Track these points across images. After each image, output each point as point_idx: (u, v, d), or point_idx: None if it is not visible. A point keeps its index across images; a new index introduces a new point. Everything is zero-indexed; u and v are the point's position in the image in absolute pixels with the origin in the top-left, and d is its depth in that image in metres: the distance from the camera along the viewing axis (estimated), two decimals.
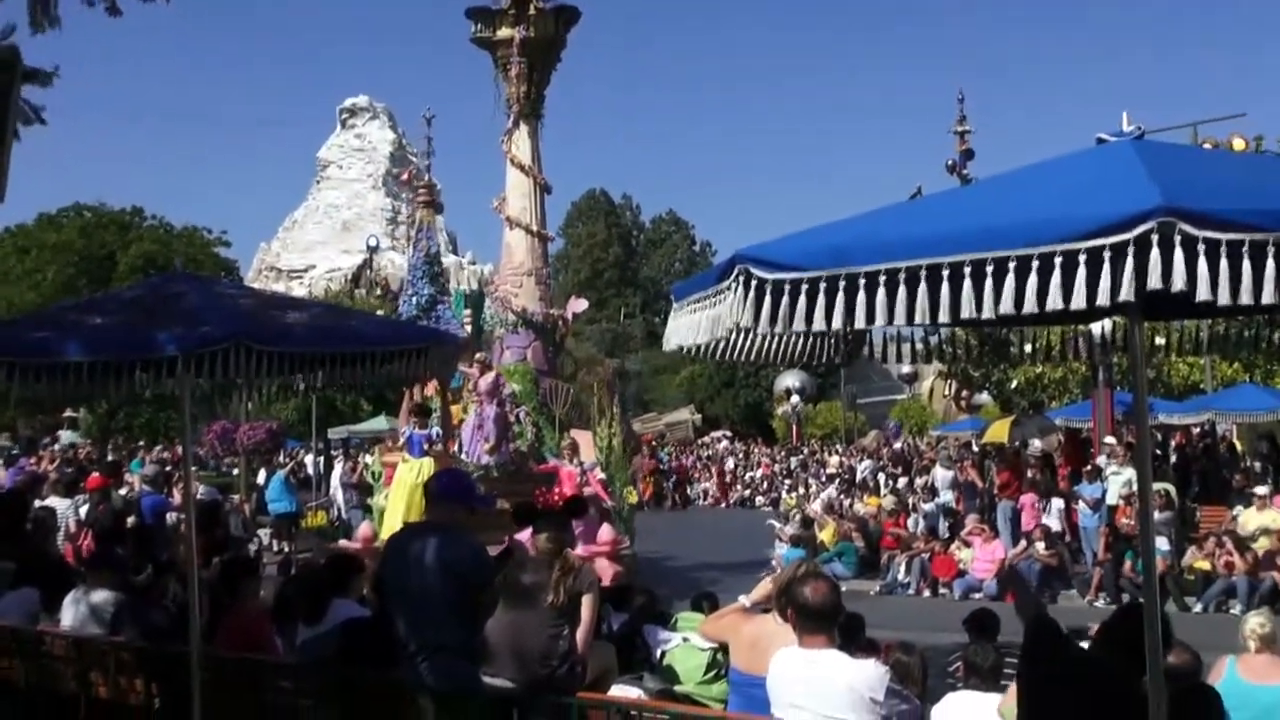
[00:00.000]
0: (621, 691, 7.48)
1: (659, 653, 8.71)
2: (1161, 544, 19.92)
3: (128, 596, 9.58)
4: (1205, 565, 20.03)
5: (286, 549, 25.92)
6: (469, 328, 22.72)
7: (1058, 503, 22.89)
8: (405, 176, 24.70)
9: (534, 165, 23.15)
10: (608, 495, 19.91)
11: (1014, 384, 40.04)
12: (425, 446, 18.47)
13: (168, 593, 10.32)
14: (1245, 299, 3.58)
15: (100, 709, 9.34)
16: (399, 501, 17.90)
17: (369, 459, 35.94)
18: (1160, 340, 6.62)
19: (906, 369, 61.64)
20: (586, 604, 7.20)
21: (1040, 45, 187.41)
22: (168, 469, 24.83)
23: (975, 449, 32.38)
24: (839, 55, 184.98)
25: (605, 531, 18.65)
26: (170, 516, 16.99)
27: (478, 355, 21.00)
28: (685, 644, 8.67)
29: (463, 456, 19.94)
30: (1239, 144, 27.88)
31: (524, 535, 8.23)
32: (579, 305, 24.64)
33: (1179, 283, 3.56)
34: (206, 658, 8.04)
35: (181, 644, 8.08)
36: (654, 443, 51.30)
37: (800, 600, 6.08)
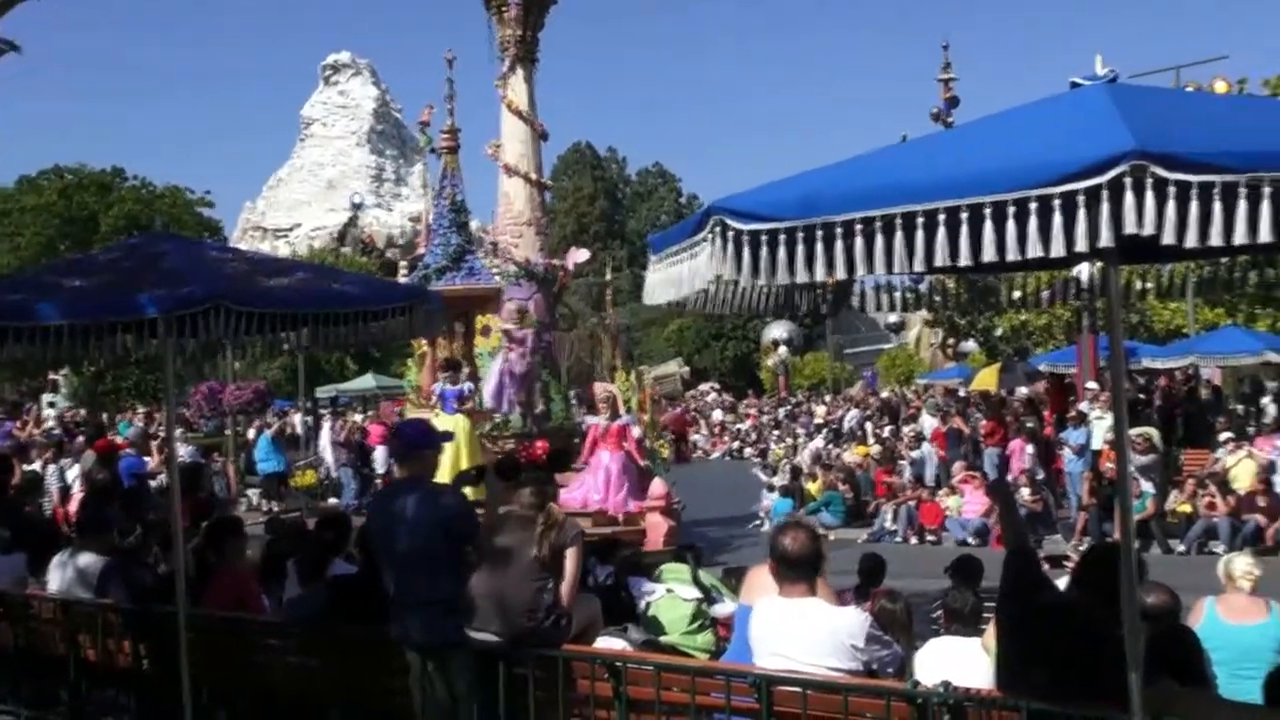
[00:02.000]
0: (606, 643, 7.52)
1: (643, 604, 8.74)
2: (1147, 487, 20.08)
3: (115, 559, 9.58)
4: (1187, 508, 20.19)
5: (275, 508, 25.97)
6: (499, 279, 21.83)
7: (1031, 448, 22.99)
8: (424, 117, 23.76)
9: (531, 111, 22.74)
10: (641, 453, 19.64)
11: (999, 331, 40.15)
12: (457, 404, 18.10)
13: (153, 554, 10.32)
14: (1216, 241, 3.58)
15: (89, 671, 9.38)
16: None
17: (358, 417, 36.06)
18: (1144, 285, 6.62)
19: (893, 318, 61.66)
20: (570, 557, 7.22)
21: None
22: (151, 430, 24.72)
23: (961, 396, 32.51)
24: (827, 5, 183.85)
25: (657, 486, 18.38)
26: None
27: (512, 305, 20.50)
28: (669, 595, 8.71)
29: (494, 413, 19.53)
30: (1221, 86, 27.83)
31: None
32: (580, 255, 23.94)
33: (1150, 226, 3.56)
34: (193, 618, 8.05)
35: (169, 605, 8.09)
36: (658, 398, 51.20)
37: (780, 550, 6.10)
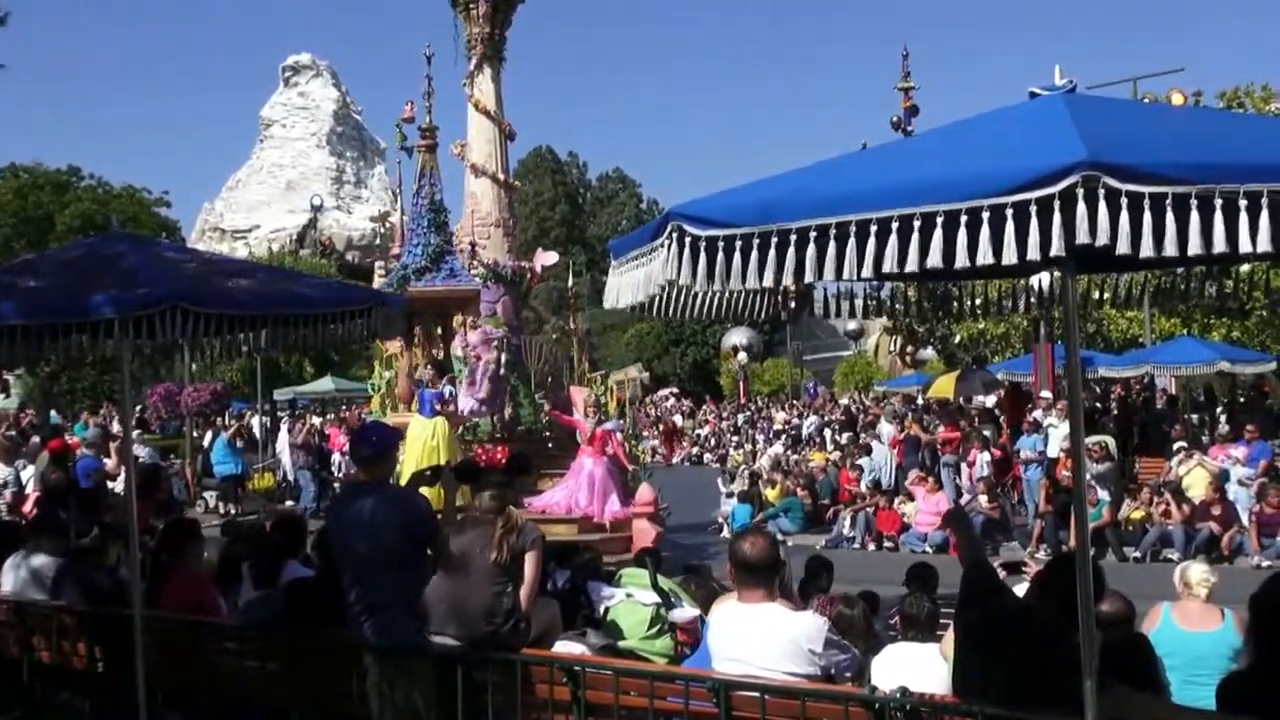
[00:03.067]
0: (565, 648, 7.51)
1: (602, 609, 8.74)
2: (1103, 495, 20.26)
3: (69, 560, 9.51)
4: (1142, 515, 20.40)
5: (233, 511, 25.81)
6: (478, 280, 21.40)
7: (985, 456, 23.15)
8: (408, 113, 23.29)
9: (498, 110, 22.49)
10: (626, 456, 19.45)
11: (957, 339, 40.42)
12: (437, 406, 17.64)
13: (110, 556, 10.25)
14: (1169, 252, 3.63)
15: (43, 673, 9.30)
16: (413, 464, 17.26)
17: (316, 420, 35.88)
18: (1102, 294, 6.70)
19: (852, 325, 62.01)
20: (530, 561, 7.22)
21: (988, 2, 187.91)
22: (108, 431, 24.47)
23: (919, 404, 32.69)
24: (790, 13, 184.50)
25: (645, 491, 18.15)
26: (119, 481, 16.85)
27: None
28: (629, 600, 8.70)
29: (468, 415, 19.18)
30: (1178, 99, 28.14)
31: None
32: (549, 258, 23.50)
33: (1103, 237, 3.60)
34: (150, 620, 8.01)
35: (124, 607, 8.04)
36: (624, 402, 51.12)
37: (739, 555, 6.15)
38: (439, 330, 21.27)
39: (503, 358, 19.18)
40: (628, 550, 16.24)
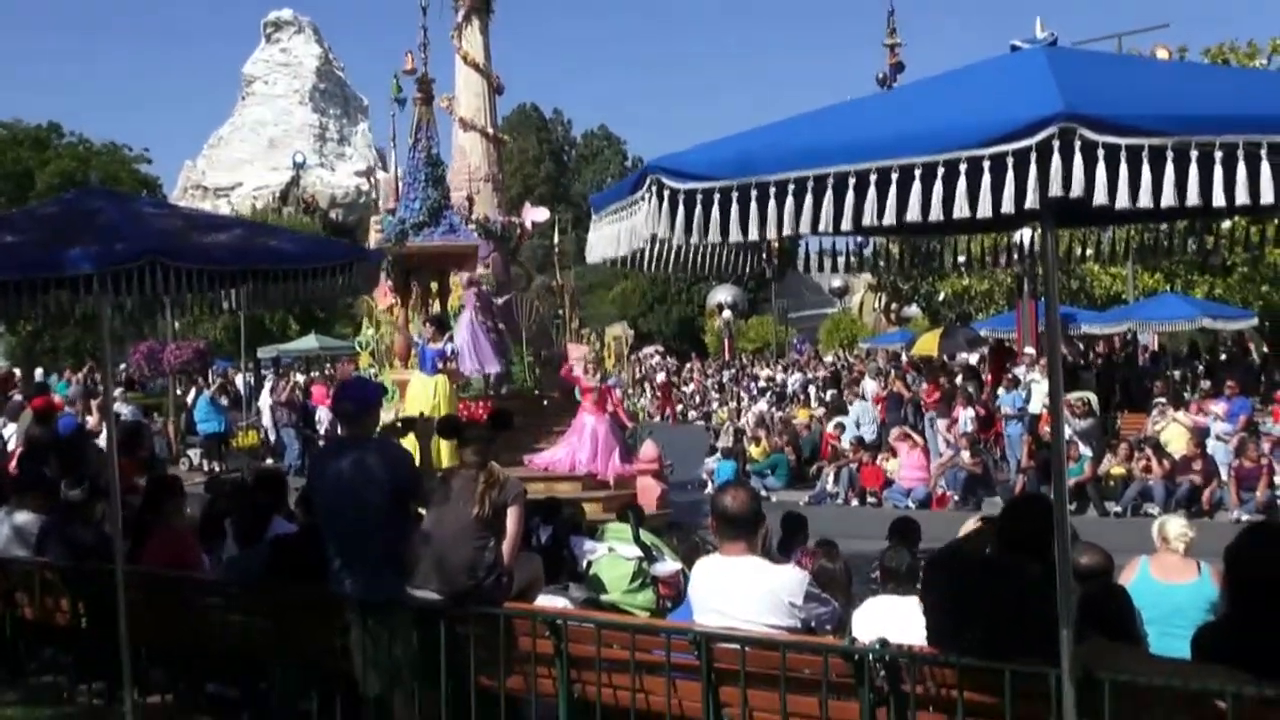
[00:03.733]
0: (548, 602, 7.55)
1: (585, 563, 8.80)
2: (1085, 451, 20.37)
3: (53, 517, 9.52)
4: (1123, 471, 20.51)
5: (216, 468, 25.78)
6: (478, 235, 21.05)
7: (968, 412, 23.23)
8: (409, 65, 22.74)
9: (487, 64, 22.16)
10: (625, 415, 19.29)
11: (941, 296, 40.44)
12: (439, 364, 17.44)
13: (95, 512, 10.25)
14: (1145, 203, 3.63)
15: (26, 629, 9.32)
16: None
17: (300, 378, 35.83)
18: (1084, 250, 6.70)
19: (837, 283, 62.05)
20: (512, 516, 7.23)
21: None
22: (89, 388, 24.41)
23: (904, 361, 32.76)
24: None
25: (649, 448, 18.10)
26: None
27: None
28: (611, 554, 8.77)
29: (470, 373, 19.06)
30: (1162, 55, 28.05)
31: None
32: (539, 214, 23.04)
33: (1079, 189, 3.60)
34: (132, 576, 8.01)
35: (108, 563, 8.05)
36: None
37: (720, 508, 6.17)
38: (435, 286, 21.00)
39: (481, 310, 18.97)
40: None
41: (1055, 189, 3.62)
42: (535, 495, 10.95)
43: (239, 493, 10.67)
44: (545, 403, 20.46)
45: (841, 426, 24.84)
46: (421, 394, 16.95)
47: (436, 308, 20.35)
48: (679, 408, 45.63)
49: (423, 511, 7.23)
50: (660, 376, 51.16)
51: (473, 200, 21.19)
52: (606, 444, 17.90)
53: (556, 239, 27.03)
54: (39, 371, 38.57)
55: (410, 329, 20.18)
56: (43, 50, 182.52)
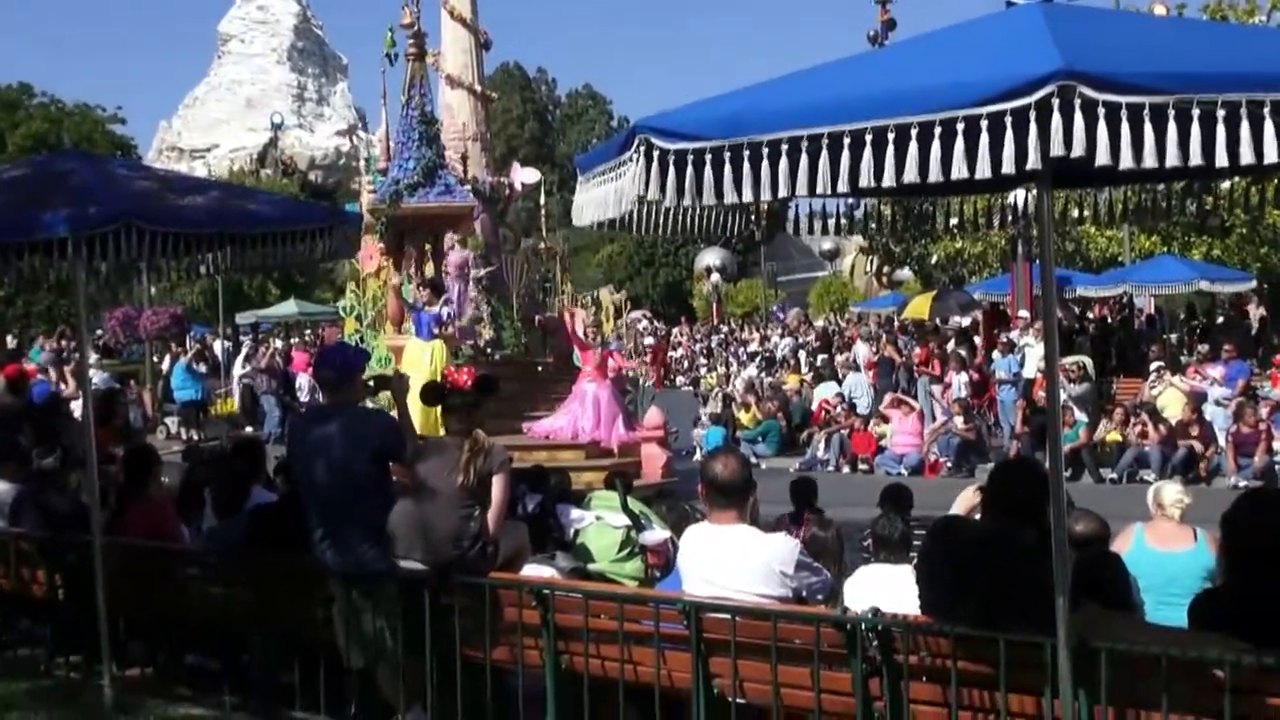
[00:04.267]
0: (534, 571, 7.56)
1: (572, 532, 8.80)
2: (1080, 416, 20.43)
3: (29, 486, 9.49)
4: (1118, 437, 20.57)
5: (194, 436, 25.73)
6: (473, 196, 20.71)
7: (961, 377, 23.29)
8: (406, 19, 22.18)
9: (474, 18, 21.89)
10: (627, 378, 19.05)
11: (935, 259, 40.45)
12: (435, 329, 17.10)
13: (70, 481, 10.23)
14: (1148, 163, 3.62)
15: (2, 601, 9.31)
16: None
17: (279, 344, 35.75)
18: (1081, 212, 6.68)
19: (828, 245, 61.89)
20: (498, 484, 7.22)
21: None
22: (63, 355, 24.27)
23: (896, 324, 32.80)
24: None
25: (654, 415, 17.84)
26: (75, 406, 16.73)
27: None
28: (598, 523, 8.78)
29: (469, 340, 18.87)
30: (1160, 10, 28.00)
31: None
32: (528, 175, 22.67)
33: (1079, 148, 3.59)
34: (109, 547, 8.00)
35: (85, 533, 8.03)
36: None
37: (710, 475, 6.16)
38: (429, 249, 20.77)
39: (473, 279, 18.84)
40: (638, 476, 16.01)
41: (1056, 149, 3.61)
42: (539, 464, 10.98)
43: (218, 462, 10.65)
44: (540, 369, 20.31)
45: (841, 396, 24.87)
46: (419, 360, 16.56)
47: (430, 271, 20.13)
48: (662, 372, 45.54)
49: (405, 480, 7.21)
50: (648, 341, 51.11)
51: (467, 160, 20.96)
52: (609, 411, 17.57)
53: (543, 200, 26.78)
54: (10, 339, 38.46)
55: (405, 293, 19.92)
56: (12, 8, 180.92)
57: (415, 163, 19.66)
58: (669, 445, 17.84)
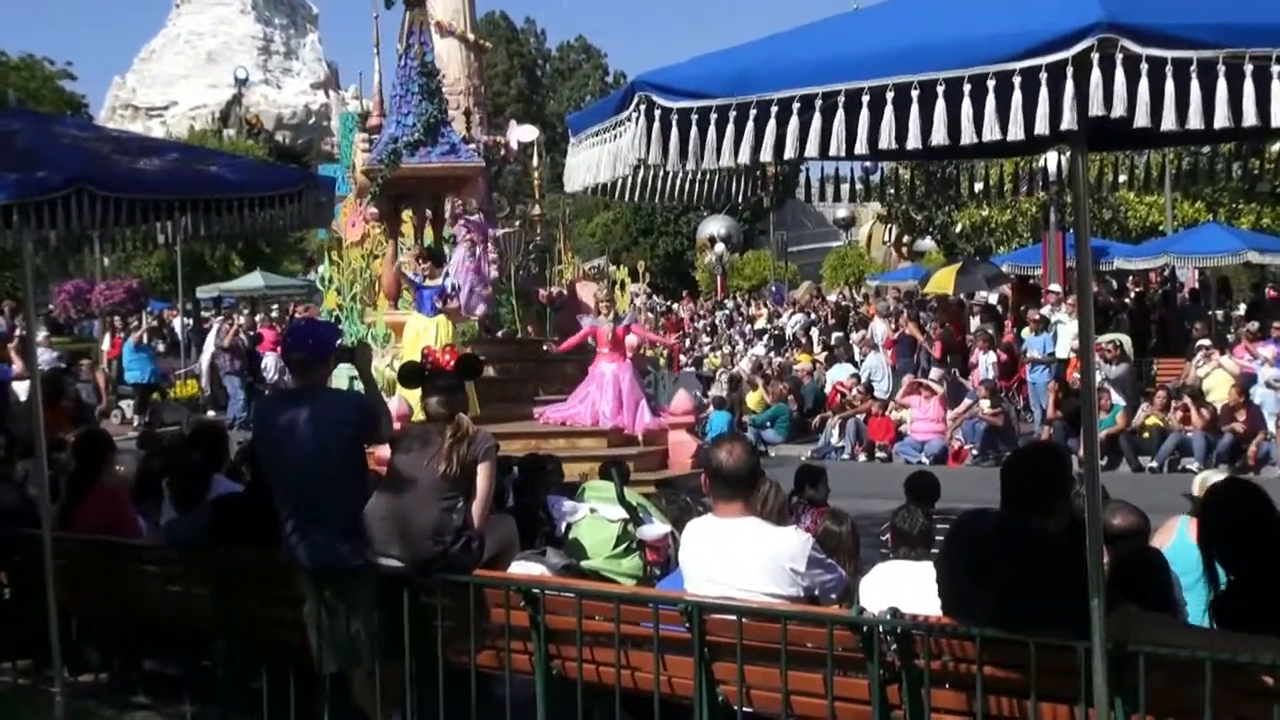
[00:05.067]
0: (522, 568, 7.56)
1: (564, 526, 8.80)
2: (1117, 400, 20.43)
3: None
4: (1159, 421, 20.55)
5: (140, 422, 25.63)
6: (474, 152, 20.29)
7: (989, 357, 23.28)
8: None
9: None
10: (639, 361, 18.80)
11: (959, 228, 40.43)
12: (438, 303, 16.80)
13: (16, 470, 10.24)
14: (1194, 124, 3.60)
15: None
16: None
17: (242, 319, 35.70)
18: (1118, 176, 6.67)
19: (843, 213, 61.93)
20: (483, 473, 7.22)
21: None
22: (8, 333, 24.26)
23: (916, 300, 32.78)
24: None
25: (682, 399, 17.45)
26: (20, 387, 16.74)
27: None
28: (593, 515, 8.76)
29: (472, 315, 18.49)
30: None
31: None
32: (525, 133, 22.53)
33: (1120, 107, 3.57)
34: (61, 541, 8.00)
35: (33, 527, 8.03)
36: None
37: (714, 464, 6.15)
38: (429, 214, 20.46)
39: (476, 249, 18.57)
40: (664, 466, 15.75)
41: (1095, 108, 3.59)
42: (534, 451, 10.96)
43: (176, 449, 10.65)
44: (545, 348, 20.14)
45: (856, 378, 24.86)
46: (422, 338, 16.12)
47: (430, 239, 19.87)
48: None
49: (381, 470, 7.22)
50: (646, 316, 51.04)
51: (470, 115, 20.67)
52: (631, 394, 17.11)
53: (536, 163, 26.45)
54: None
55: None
56: None
57: (416, 118, 19.23)
58: (699, 433, 17.45)
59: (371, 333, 19.16)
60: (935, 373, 24.14)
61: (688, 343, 45.41)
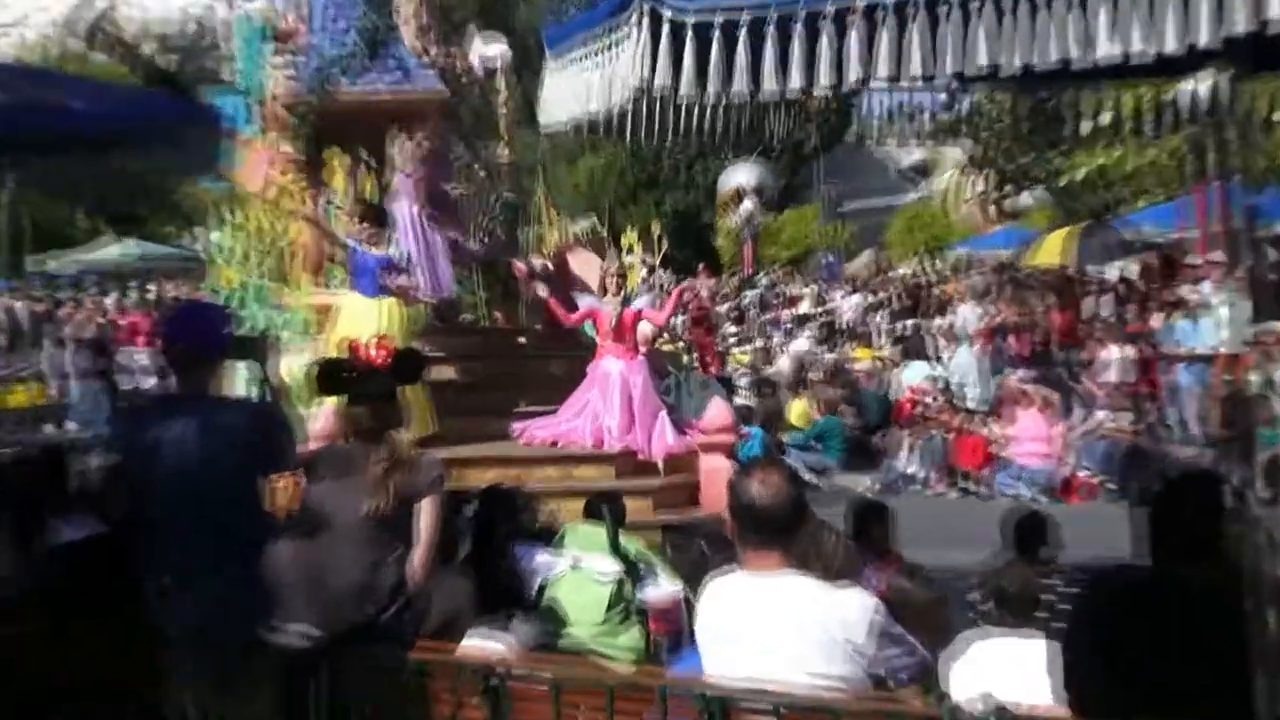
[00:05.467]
0: (480, 644, 7.54)
1: (538, 584, 8.78)
2: None
3: None
4: None
5: None
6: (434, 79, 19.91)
7: (1117, 353, 23.28)
8: None
9: None
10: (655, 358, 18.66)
11: (1070, 179, 40.40)
12: (386, 280, 16.14)
13: None
14: None
15: None
16: None
17: (109, 301, 35.78)
18: None
19: (915, 157, 61.98)
20: (427, 512, 7.24)
21: None
22: None
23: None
24: None
25: (718, 411, 15.90)
26: None
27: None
28: (576, 571, 8.75)
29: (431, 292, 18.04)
30: None
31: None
32: (491, 49, 22.25)
33: None
34: None
35: None
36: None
37: (744, 500, 6.08)
38: (372, 158, 20.17)
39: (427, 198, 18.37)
40: (694, 502, 15.06)
41: (1272, 9, 3.55)
42: (544, 484, 10.86)
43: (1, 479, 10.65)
44: (522, 340, 20.00)
45: (935, 381, 24.90)
46: (365, 326, 14.80)
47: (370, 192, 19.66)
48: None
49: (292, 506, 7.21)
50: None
51: (424, 27, 20.55)
52: (646, 403, 16.08)
53: (503, 90, 26.08)
54: None
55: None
56: None
57: (354, 32, 18.93)
58: (737, 455, 16.96)
59: (287, 319, 18.89)
60: (1024, 374, 24.14)
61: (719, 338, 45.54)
